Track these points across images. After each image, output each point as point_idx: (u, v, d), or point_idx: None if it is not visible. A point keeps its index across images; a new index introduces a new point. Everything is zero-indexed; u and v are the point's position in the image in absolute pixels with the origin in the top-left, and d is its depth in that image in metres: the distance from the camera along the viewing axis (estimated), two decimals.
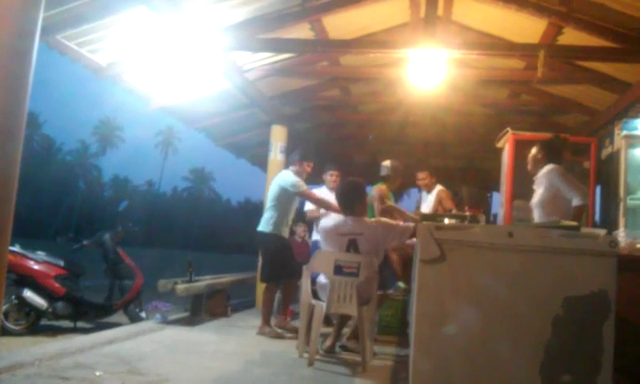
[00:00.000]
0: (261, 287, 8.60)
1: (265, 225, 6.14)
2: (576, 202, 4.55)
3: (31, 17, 2.92)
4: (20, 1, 2.89)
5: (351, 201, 5.09)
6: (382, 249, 5.04)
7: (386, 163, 6.72)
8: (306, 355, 4.80)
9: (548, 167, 4.69)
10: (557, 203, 4.59)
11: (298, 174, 6.23)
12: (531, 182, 5.11)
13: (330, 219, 5.33)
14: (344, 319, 5.28)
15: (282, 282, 6.18)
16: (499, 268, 3.15)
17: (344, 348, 5.33)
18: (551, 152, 4.80)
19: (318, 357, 4.87)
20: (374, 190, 6.49)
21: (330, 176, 6.86)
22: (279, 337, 5.96)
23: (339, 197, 5.22)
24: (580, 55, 6.38)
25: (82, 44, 5.86)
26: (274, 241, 6.10)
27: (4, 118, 2.78)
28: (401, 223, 5.08)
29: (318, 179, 7.22)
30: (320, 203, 6.22)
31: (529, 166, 4.95)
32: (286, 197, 6.12)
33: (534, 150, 4.90)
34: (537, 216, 4.69)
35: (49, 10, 4.55)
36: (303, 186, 6.13)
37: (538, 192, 4.73)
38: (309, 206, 6.75)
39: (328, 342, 5.28)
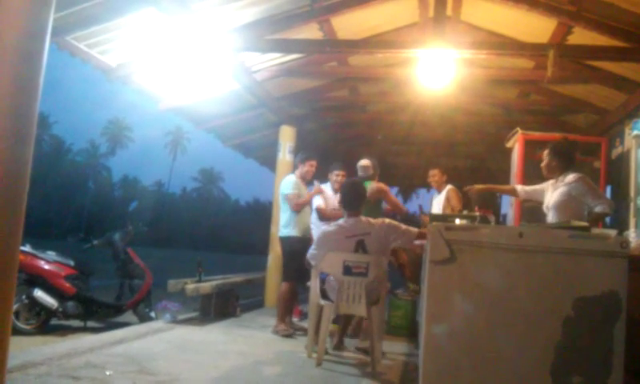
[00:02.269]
0: (270, 287, 8.68)
1: (282, 230, 6.42)
2: (600, 209, 4.49)
3: (42, 18, 2.93)
4: (31, 2, 2.91)
5: (358, 201, 5.07)
6: (387, 248, 5.02)
7: (367, 163, 6.64)
8: (314, 355, 4.81)
9: (573, 176, 4.60)
10: (573, 206, 4.55)
11: (304, 174, 6.48)
12: (541, 182, 5.08)
13: (332, 225, 5.16)
14: (349, 317, 5.31)
15: (302, 281, 6.22)
16: (509, 269, 3.13)
17: (359, 350, 5.34)
18: (564, 157, 4.75)
19: (326, 357, 4.88)
20: (375, 188, 6.39)
21: (336, 176, 6.74)
22: (291, 336, 5.98)
23: (345, 197, 5.16)
24: (590, 55, 6.35)
25: (92, 45, 5.89)
26: (293, 242, 6.28)
27: (15, 118, 2.79)
28: (403, 226, 5.04)
29: (326, 179, 7.19)
30: (297, 207, 6.31)
31: (544, 172, 4.87)
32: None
33: (546, 159, 4.83)
34: (552, 218, 4.66)
35: (59, 12, 4.58)
36: (289, 191, 6.34)
37: (555, 194, 4.69)
38: (317, 204, 6.72)
39: (335, 340, 5.32)
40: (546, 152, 4.82)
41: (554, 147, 4.80)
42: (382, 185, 6.45)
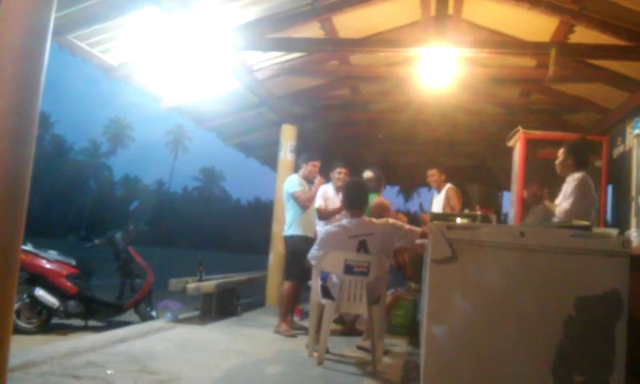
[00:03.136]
0: (271, 286, 8.67)
1: (287, 229, 6.43)
2: (558, 213, 4.54)
3: (43, 17, 2.93)
4: (32, 1, 2.91)
5: (360, 201, 5.07)
6: (390, 248, 5.01)
7: (370, 175, 6.61)
8: (315, 354, 4.80)
9: (578, 174, 4.63)
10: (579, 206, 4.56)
11: (307, 175, 6.44)
12: (543, 182, 5.09)
13: (335, 225, 5.16)
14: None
15: (305, 280, 6.22)
16: (511, 268, 3.13)
17: (360, 349, 5.34)
18: (579, 156, 4.76)
19: (327, 356, 4.87)
20: (377, 203, 6.36)
21: (338, 174, 6.65)
22: (293, 336, 5.98)
23: (347, 197, 5.16)
24: (591, 53, 6.33)
25: (93, 44, 5.88)
26: (296, 242, 6.27)
27: (16, 117, 2.80)
28: (406, 226, 5.04)
29: (328, 178, 7.17)
30: (307, 202, 6.33)
31: (557, 169, 4.89)
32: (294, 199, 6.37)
33: (561, 156, 4.83)
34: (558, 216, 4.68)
35: (60, 10, 4.57)
36: (296, 188, 6.33)
37: (561, 193, 4.70)
38: (317, 205, 6.70)
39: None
40: (562, 150, 4.85)
41: (571, 145, 4.83)
42: (384, 201, 6.41)
